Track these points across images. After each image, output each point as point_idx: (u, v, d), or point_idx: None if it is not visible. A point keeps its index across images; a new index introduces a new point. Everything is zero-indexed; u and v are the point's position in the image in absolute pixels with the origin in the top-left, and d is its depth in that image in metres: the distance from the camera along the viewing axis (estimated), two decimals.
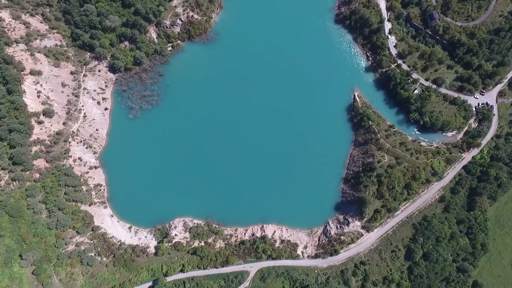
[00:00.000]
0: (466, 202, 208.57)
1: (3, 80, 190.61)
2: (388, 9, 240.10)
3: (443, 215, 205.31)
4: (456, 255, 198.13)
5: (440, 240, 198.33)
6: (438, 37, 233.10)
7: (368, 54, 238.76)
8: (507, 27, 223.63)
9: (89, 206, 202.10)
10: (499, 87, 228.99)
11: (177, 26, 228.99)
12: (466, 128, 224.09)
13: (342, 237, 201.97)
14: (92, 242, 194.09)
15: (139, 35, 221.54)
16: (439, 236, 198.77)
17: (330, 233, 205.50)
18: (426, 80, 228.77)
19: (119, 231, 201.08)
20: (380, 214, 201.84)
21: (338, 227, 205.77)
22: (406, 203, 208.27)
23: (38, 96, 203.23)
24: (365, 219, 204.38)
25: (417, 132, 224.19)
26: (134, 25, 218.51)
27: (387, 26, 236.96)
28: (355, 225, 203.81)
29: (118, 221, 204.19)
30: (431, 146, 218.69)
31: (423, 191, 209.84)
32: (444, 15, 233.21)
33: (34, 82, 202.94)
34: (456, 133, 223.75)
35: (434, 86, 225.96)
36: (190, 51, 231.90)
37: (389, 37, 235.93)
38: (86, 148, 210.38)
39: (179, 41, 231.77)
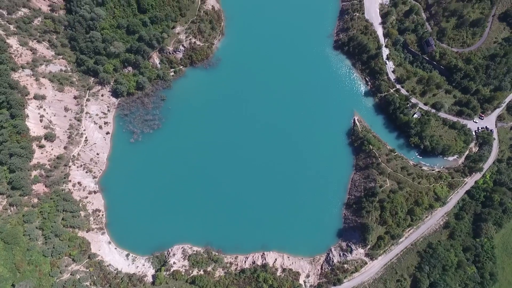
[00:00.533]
0: (471, 228, 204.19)
1: (7, 104, 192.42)
2: (385, 35, 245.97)
3: (448, 242, 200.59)
4: (464, 285, 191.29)
5: (446, 268, 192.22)
6: (435, 63, 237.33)
7: (367, 79, 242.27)
8: (502, 53, 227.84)
9: (87, 232, 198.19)
10: (497, 111, 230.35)
11: (180, 52, 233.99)
12: (467, 152, 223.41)
13: (345, 266, 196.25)
14: (88, 270, 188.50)
15: (142, 60, 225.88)
16: (445, 264, 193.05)
17: (333, 261, 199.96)
18: (425, 104, 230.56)
19: (116, 258, 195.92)
20: (384, 241, 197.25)
21: (341, 254, 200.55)
22: (410, 230, 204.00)
23: (41, 120, 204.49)
24: (369, 246, 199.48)
25: (418, 157, 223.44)
26: (138, 51, 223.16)
27: (385, 52, 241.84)
28: (359, 252, 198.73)
29: (115, 248, 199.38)
30: (432, 170, 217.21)
31: (426, 216, 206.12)
32: (440, 42, 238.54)
33: (37, 106, 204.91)
34: (457, 157, 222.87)
35: (433, 111, 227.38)
36: (192, 76, 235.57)
37: (387, 62, 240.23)
38: (86, 172, 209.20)
39: (181, 67, 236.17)
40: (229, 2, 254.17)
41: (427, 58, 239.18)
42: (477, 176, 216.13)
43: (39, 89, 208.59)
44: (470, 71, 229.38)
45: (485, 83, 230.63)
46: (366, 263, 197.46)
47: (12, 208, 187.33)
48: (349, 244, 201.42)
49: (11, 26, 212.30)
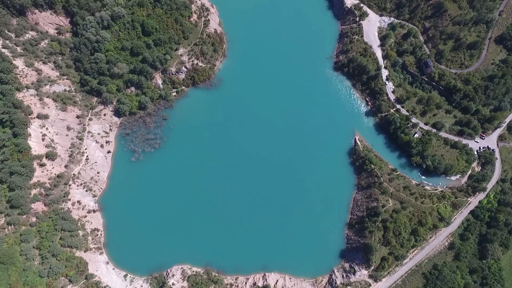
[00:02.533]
0: (477, 249, 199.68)
1: (10, 123, 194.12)
2: (384, 57, 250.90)
3: (454, 263, 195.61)
4: None
5: None
6: (434, 83, 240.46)
7: (367, 99, 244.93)
8: (500, 74, 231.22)
9: (84, 252, 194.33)
10: (498, 131, 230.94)
11: (182, 73, 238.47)
12: (469, 172, 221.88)
13: (348, 287, 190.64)
14: None
15: (145, 81, 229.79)
16: (452, 287, 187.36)
17: (335, 283, 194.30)
18: (426, 124, 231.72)
19: (113, 279, 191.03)
20: (388, 262, 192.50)
21: (344, 276, 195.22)
22: (414, 250, 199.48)
23: (43, 139, 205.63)
24: (372, 268, 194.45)
25: (420, 176, 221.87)
26: (141, 72, 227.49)
27: (384, 73, 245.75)
28: (362, 274, 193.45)
29: (113, 269, 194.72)
30: (435, 190, 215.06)
31: (431, 237, 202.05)
32: (438, 63, 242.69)
33: (40, 125, 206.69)
34: (460, 177, 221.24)
35: (434, 130, 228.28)
36: (194, 96, 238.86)
37: (387, 83, 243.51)
38: (86, 191, 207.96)
39: (183, 87, 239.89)
40: (231, 25, 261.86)
41: (426, 79, 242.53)
42: (480, 196, 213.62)
43: (42, 109, 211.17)
44: (469, 91, 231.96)
45: (484, 103, 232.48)
46: (370, 285, 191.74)
47: (9, 227, 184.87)
48: (352, 265, 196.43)
49: (18, 48, 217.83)
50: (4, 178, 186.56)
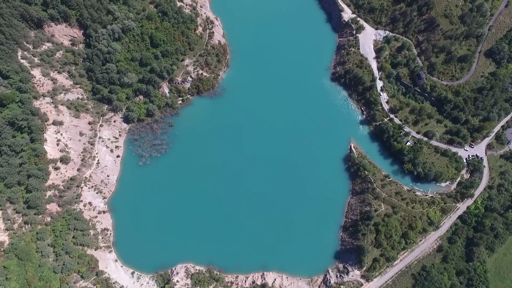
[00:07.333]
0: (464, 252, 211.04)
1: (28, 129, 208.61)
2: (379, 69, 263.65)
3: (442, 265, 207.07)
4: None
5: None
6: (426, 94, 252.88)
7: (362, 108, 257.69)
8: (489, 87, 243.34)
9: (95, 250, 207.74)
10: (487, 140, 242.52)
11: (188, 82, 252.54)
12: (458, 179, 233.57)
13: (342, 287, 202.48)
14: (95, 287, 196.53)
15: (153, 90, 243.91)
16: (439, 287, 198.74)
17: (330, 282, 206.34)
18: (418, 133, 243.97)
19: (122, 276, 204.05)
20: (379, 263, 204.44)
21: (338, 276, 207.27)
22: (404, 252, 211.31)
23: (57, 144, 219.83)
24: (364, 268, 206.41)
25: (413, 183, 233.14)
26: (149, 81, 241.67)
27: (379, 84, 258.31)
28: (355, 274, 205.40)
29: (121, 266, 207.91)
30: (426, 195, 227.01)
31: (420, 240, 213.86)
32: (430, 75, 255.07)
33: (55, 131, 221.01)
34: (449, 183, 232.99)
35: (425, 139, 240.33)
36: (199, 104, 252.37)
37: (381, 93, 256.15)
38: (97, 193, 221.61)
39: (188, 96, 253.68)
40: (234, 37, 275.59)
41: (419, 90, 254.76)
42: (468, 201, 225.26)
43: (57, 116, 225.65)
44: (459, 102, 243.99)
45: (474, 113, 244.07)
46: (362, 284, 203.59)
47: (26, 226, 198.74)
48: (346, 266, 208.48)
49: (36, 59, 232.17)
50: (22, 180, 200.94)
